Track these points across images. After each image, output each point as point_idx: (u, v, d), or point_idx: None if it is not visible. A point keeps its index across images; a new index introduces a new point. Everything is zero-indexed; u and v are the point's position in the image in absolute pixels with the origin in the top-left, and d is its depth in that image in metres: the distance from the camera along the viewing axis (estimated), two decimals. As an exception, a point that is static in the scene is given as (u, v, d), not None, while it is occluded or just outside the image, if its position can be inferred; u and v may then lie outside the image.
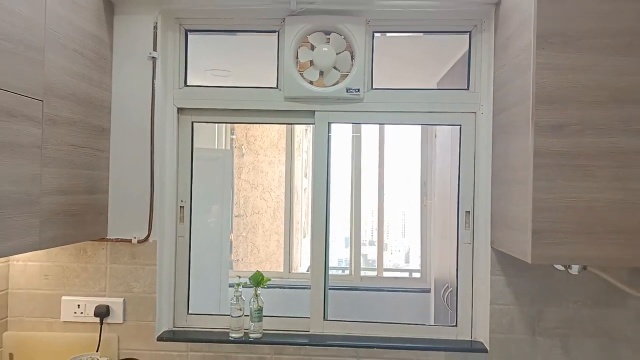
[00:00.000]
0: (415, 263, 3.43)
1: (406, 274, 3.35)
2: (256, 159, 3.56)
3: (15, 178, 1.12)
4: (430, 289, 2.74)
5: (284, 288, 2.88)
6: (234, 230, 3.39)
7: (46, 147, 1.24)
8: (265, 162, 3.56)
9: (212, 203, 2.38)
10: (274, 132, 3.58)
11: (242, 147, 3.49)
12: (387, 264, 3.39)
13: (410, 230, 3.49)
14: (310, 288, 1.64)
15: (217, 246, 2.51)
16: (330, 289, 1.67)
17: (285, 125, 3.28)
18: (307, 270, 3.28)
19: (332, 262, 2.97)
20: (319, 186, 1.64)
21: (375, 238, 3.18)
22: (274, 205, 3.58)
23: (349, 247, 3.08)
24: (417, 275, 3.07)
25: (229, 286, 2.55)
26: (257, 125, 3.53)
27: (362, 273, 3.02)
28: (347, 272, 3.06)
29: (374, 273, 3.21)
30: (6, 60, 1.08)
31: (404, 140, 3.06)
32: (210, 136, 3.00)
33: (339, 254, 3.79)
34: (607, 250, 1.16)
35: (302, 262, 3.48)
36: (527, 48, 1.22)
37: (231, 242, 3.23)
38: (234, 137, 3.36)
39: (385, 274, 3.18)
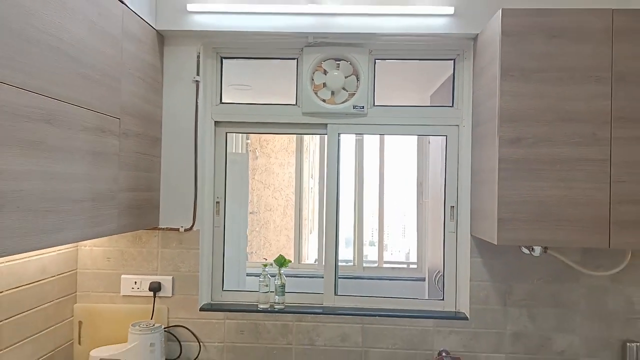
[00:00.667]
0: (413, 257, 3.76)
1: (404, 265, 3.69)
2: (268, 161, 3.92)
3: (104, 179, 1.48)
4: (425, 277, 3.09)
5: (295, 277, 3.22)
6: (248, 226, 3.73)
7: (122, 154, 1.59)
8: (276, 164, 3.91)
9: (232, 201, 2.73)
10: (284, 137, 3.94)
11: (256, 150, 3.85)
12: (387, 257, 3.73)
13: (410, 231, 3.82)
14: (317, 277, 1.99)
15: (236, 239, 2.86)
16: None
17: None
18: (315, 262, 3.62)
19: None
20: (331, 185, 2.00)
21: (376, 239, 3.52)
22: (284, 204, 3.94)
23: (351, 247, 3.41)
24: (413, 266, 3.42)
25: (246, 275, 2.91)
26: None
27: (365, 265, 3.36)
28: (350, 263, 3.40)
29: (376, 265, 3.56)
30: (97, 89, 1.44)
31: (402, 147, 3.40)
32: (229, 141, 3.34)
33: (341, 254, 4.11)
34: (554, 234, 1.52)
35: (310, 254, 3.83)
36: (494, 79, 1.58)
37: (246, 236, 3.58)
38: (249, 141, 3.71)
39: (385, 266, 3.52)
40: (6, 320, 1.51)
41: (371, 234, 4.04)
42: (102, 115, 1.46)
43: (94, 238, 1.43)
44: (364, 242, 3.61)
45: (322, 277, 2.00)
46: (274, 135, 3.90)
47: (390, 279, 3.26)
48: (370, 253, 3.94)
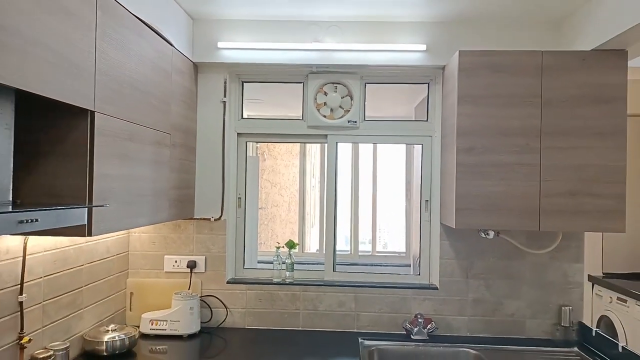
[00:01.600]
0: (401, 247, 4.25)
1: (394, 254, 4.19)
2: (275, 162, 4.41)
3: (160, 180, 1.98)
4: (410, 264, 3.59)
5: (299, 264, 3.72)
6: (258, 220, 4.23)
7: (170, 161, 2.09)
8: (282, 165, 4.40)
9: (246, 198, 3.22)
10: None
11: (264, 153, 4.33)
12: (379, 247, 4.22)
13: (399, 224, 4.28)
14: (318, 263, 2.48)
15: (249, 231, 3.36)
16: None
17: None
18: (316, 251, 4.11)
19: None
20: (330, 184, 2.50)
21: (369, 236, 4.01)
22: (289, 200, 4.42)
23: (348, 240, 3.89)
24: (402, 254, 3.91)
25: (258, 262, 3.41)
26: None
27: (360, 254, 3.85)
28: (348, 252, 3.90)
29: (369, 254, 4.05)
30: (156, 113, 1.93)
31: (393, 152, 3.89)
32: (241, 146, 3.83)
33: (339, 244, 4.61)
34: (498, 219, 2.02)
35: (312, 245, 4.31)
36: (454, 103, 2.08)
37: (257, 227, 4.08)
38: (258, 145, 4.20)
39: (377, 254, 4.03)
40: (85, 286, 2.01)
41: (364, 237, 4.51)
42: (159, 132, 1.95)
43: (155, 223, 1.94)
44: (360, 239, 4.10)
45: (323, 264, 2.51)
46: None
47: (381, 265, 3.75)
48: (364, 244, 4.43)
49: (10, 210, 1.03)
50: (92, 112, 1.44)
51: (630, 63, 2.39)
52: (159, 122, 1.94)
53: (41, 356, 1.65)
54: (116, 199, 1.59)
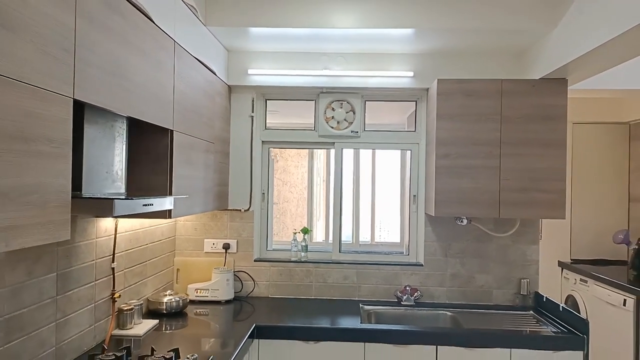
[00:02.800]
0: (396, 237, 4.83)
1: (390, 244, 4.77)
2: (286, 163, 5.00)
3: (209, 179, 2.57)
4: (403, 251, 4.17)
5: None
6: (273, 213, 4.84)
7: (214, 164, 2.69)
8: (292, 166, 5.00)
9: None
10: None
11: (277, 155, 4.93)
12: (377, 238, 4.81)
13: (395, 217, 4.85)
14: (325, 251, 3.08)
15: (264, 224, 3.96)
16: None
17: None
18: (322, 240, 4.69)
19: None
20: (337, 182, 3.09)
21: (369, 229, 4.59)
22: (298, 197, 5.01)
23: (350, 232, 4.48)
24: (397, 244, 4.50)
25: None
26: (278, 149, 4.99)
27: (360, 242, 4.44)
28: (350, 241, 4.49)
29: (369, 243, 4.64)
30: (206, 128, 2.52)
31: (390, 155, 4.49)
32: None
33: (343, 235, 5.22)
34: (468, 209, 2.62)
35: (318, 235, 4.90)
36: (434, 119, 2.68)
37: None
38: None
39: (376, 243, 4.61)
40: (149, 260, 2.61)
41: (364, 231, 5.09)
42: (207, 142, 2.55)
43: (204, 212, 2.53)
44: (361, 231, 4.69)
45: (328, 251, 3.10)
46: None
47: (378, 253, 4.34)
48: (365, 235, 5.02)
49: (140, 196, 1.63)
50: (172, 131, 2.03)
51: (575, 87, 3.00)
52: (207, 135, 2.54)
53: (125, 308, 2.25)
54: (184, 193, 2.19)
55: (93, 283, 2.04)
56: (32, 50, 1.12)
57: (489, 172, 2.61)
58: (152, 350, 1.88)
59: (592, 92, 3.62)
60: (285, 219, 5.01)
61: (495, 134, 2.61)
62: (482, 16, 2.45)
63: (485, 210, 2.62)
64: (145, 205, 1.64)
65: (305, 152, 5.00)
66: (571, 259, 4.47)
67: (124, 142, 1.89)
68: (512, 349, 2.33)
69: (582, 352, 2.31)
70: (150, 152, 2.03)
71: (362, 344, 2.37)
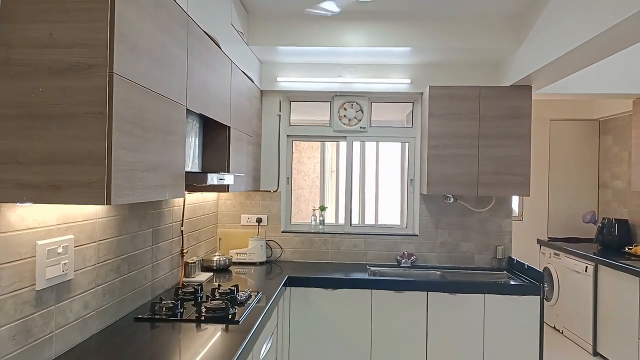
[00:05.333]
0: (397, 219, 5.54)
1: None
2: (300, 155, 5.70)
3: (250, 164, 3.27)
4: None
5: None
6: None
7: (252, 154, 3.39)
8: (305, 157, 5.70)
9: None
10: (311, 139, 5.74)
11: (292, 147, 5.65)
12: (381, 220, 5.52)
13: (396, 201, 5.56)
14: (338, 225, 3.79)
15: (289, 202, 4.67)
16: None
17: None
18: (333, 222, 5.41)
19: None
20: (348, 169, 3.79)
21: (373, 213, 5.29)
22: (310, 184, 5.72)
23: (357, 215, 5.19)
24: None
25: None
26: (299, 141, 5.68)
27: (366, 223, 5.15)
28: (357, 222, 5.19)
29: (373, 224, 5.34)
30: (248, 125, 3.21)
31: (393, 147, 5.19)
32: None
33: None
34: (453, 188, 3.32)
35: (328, 219, 5.60)
36: (426, 117, 3.37)
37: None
38: (288, 142, 5.50)
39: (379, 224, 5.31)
40: (202, 229, 3.32)
41: (369, 214, 5.80)
42: (248, 136, 3.25)
43: (246, 190, 3.24)
44: (366, 214, 5.39)
45: (342, 225, 3.81)
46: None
47: (382, 226, 5.04)
48: (369, 218, 5.73)
49: (215, 172, 2.33)
50: (229, 127, 2.74)
51: (545, 90, 3.68)
52: (248, 130, 3.24)
53: (190, 262, 2.96)
54: (240, 172, 2.89)
55: (170, 240, 2.75)
56: (171, 76, 1.83)
57: (470, 159, 3.31)
58: (219, 285, 2.59)
59: (562, 96, 4.30)
60: (299, 204, 5.72)
61: (475, 129, 3.31)
62: (463, 37, 3.14)
63: (467, 189, 3.31)
64: (220, 179, 2.34)
65: (317, 145, 5.70)
66: (548, 237, 5.17)
67: (198, 136, 2.59)
68: (486, 294, 3.04)
69: (539, 296, 3.01)
70: (214, 143, 2.73)
71: (370, 290, 3.08)
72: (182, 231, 2.90)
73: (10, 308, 1.44)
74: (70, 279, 1.74)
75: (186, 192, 2.92)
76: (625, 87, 3.69)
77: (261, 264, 3.57)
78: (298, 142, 5.52)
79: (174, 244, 2.81)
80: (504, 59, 3.42)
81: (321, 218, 3.77)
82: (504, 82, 3.42)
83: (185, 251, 2.92)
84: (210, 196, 3.53)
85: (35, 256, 1.55)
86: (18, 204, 1.47)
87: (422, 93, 3.64)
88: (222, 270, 3.30)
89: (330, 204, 5.84)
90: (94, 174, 1.36)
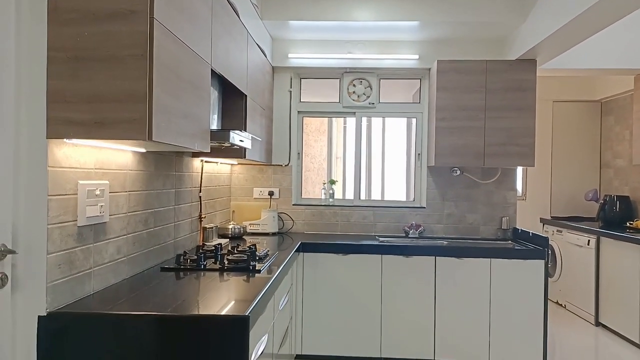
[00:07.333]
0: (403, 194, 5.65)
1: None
2: (307, 137, 5.82)
3: (262, 137, 3.38)
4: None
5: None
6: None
7: (265, 127, 3.49)
8: (313, 140, 5.82)
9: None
10: (318, 122, 5.85)
11: (300, 130, 5.77)
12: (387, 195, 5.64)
13: (402, 176, 5.67)
14: (347, 199, 3.90)
15: (299, 176, 4.79)
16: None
17: (325, 118, 5.60)
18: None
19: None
20: (358, 145, 3.90)
21: (379, 188, 5.40)
22: (318, 166, 5.84)
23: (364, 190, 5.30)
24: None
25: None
26: (309, 117, 5.79)
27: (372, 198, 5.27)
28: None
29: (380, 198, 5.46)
30: (261, 96, 3.32)
31: (399, 123, 5.30)
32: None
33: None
34: (459, 159, 3.43)
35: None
36: (434, 91, 3.48)
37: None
38: (296, 124, 5.61)
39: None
40: (217, 199, 3.44)
41: (376, 189, 5.92)
42: (262, 109, 3.36)
43: (260, 161, 3.35)
44: (373, 189, 5.51)
45: (351, 199, 3.92)
46: (311, 122, 5.83)
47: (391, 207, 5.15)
48: (376, 194, 5.84)
49: (237, 131, 2.44)
50: (246, 96, 2.85)
51: (549, 66, 3.78)
52: (261, 102, 3.36)
53: (208, 227, 3.07)
54: (253, 142, 3.01)
55: (190, 204, 2.87)
56: (199, 34, 1.94)
57: (476, 131, 3.42)
58: (238, 245, 2.71)
59: (567, 71, 4.40)
60: (307, 185, 5.85)
61: (481, 102, 3.42)
62: (470, 11, 3.25)
63: (473, 160, 3.43)
64: (240, 140, 2.46)
65: (324, 129, 5.81)
66: (551, 216, 5.28)
67: (218, 103, 2.71)
68: (492, 259, 3.15)
69: (543, 260, 3.13)
70: (232, 110, 2.84)
71: (380, 255, 3.20)
72: (200, 197, 3.02)
73: (57, 238, 1.56)
74: (105, 222, 1.86)
75: (204, 159, 3.04)
76: (627, 62, 3.80)
77: (273, 234, 3.69)
78: (306, 124, 5.69)
79: (193, 208, 2.92)
80: (509, 34, 3.53)
81: (331, 191, 3.88)
82: (510, 56, 3.53)
83: (203, 216, 3.04)
84: (225, 168, 3.65)
85: (77, 194, 1.67)
86: (65, 140, 1.58)
87: (429, 69, 3.75)
88: (237, 238, 3.42)
89: (337, 187, 5.95)
90: (137, 111, 1.47)
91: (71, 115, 1.48)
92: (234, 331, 1.52)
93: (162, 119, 1.55)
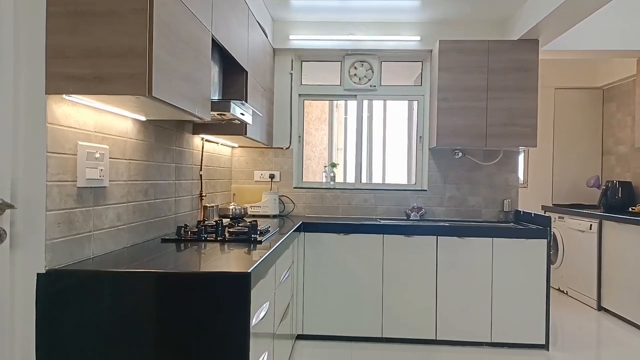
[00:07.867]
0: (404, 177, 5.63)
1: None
2: (308, 126, 5.80)
3: (264, 117, 3.37)
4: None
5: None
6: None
7: (266, 108, 3.48)
8: (313, 129, 5.80)
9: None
10: (319, 110, 5.83)
11: (301, 119, 5.75)
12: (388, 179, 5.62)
13: (402, 160, 5.64)
14: (348, 183, 3.88)
15: (300, 159, 4.77)
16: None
17: (327, 105, 5.56)
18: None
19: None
20: (359, 127, 3.89)
21: (381, 172, 5.38)
22: (318, 155, 5.82)
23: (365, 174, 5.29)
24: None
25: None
26: (310, 105, 5.77)
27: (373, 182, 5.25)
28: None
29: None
30: (262, 77, 3.31)
31: (401, 106, 5.29)
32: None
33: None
34: (461, 140, 3.41)
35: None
36: (436, 71, 3.47)
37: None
38: (297, 112, 5.59)
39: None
40: (218, 180, 3.42)
41: (377, 173, 5.89)
42: (263, 89, 3.34)
43: (260, 142, 3.33)
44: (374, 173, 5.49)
45: (352, 182, 3.91)
46: (312, 109, 5.80)
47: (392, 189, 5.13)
48: (377, 177, 5.83)
49: (238, 100, 2.42)
50: (247, 72, 2.83)
51: (550, 47, 3.76)
52: (262, 82, 3.34)
53: (208, 206, 3.06)
54: (254, 119, 2.99)
55: (191, 181, 2.85)
56: (206, 4, 1.93)
57: (478, 111, 3.40)
58: (238, 222, 2.69)
59: (569, 53, 4.37)
60: (307, 174, 5.83)
61: (483, 82, 3.40)
62: (472, -10, 3.23)
63: (475, 141, 3.41)
64: (242, 113, 2.44)
65: (325, 117, 5.79)
66: (553, 204, 5.26)
67: (219, 78, 2.69)
68: (494, 238, 3.14)
69: (545, 239, 3.11)
70: (233, 87, 2.83)
71: (381, 235, 3.18)
72: (200, 175, 3.00)
73: (56, 196, 1.55)
74: (105, 187, 1.84)
75: (205, 137, 3.02)
76: (629, 44, 3.78)
77: (274, 217, 3.67)
78: (307, 112, 5.67)
79: (194, 186, 2.91)
80: (511, 13, 3.51)
81: (332, 174, 3.86)
82: (512, 36, 3.51)
83: (204, 195, 3.02)
84: (225, 150, 3.64)
85: (76, 155, 1.65)
86: (64, 96, 1.57)
87: (431, 50, 3.73)
88: (238, 219, 3.40)
89: (337, 172, 5.93)
90: (136, 66, 1.46)
91: (71, 71, 1.46)
92: (235, 287, 1.51)
93: (162, 77, 1.53)
